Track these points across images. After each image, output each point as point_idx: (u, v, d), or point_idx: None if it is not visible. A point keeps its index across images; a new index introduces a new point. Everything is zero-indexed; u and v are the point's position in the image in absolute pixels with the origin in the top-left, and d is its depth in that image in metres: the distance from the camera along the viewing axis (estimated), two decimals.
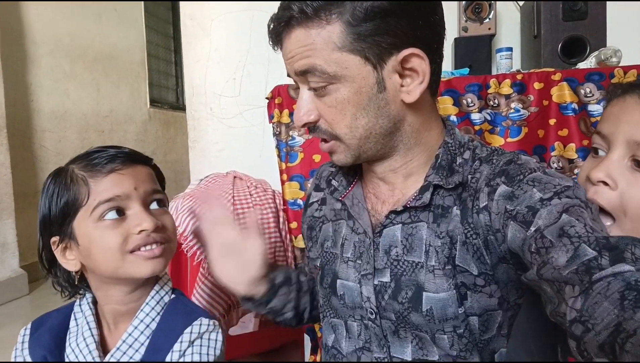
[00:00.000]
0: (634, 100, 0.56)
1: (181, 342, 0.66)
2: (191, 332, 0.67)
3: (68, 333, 0.71)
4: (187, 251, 1.26)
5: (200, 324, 0.68)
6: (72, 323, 0.71)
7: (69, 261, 0.68)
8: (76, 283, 0.71)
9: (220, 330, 0.69)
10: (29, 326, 0.73)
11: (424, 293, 0.61)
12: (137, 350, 0.67)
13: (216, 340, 0.68)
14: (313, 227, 0.78)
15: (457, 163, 0.64)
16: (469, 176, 0.63)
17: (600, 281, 0.41)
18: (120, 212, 0.65)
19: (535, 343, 0.61)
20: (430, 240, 0.62)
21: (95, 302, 0.72)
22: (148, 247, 0.65)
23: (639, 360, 0.34)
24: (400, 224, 0.64)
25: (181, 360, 0.65)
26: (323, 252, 0.74)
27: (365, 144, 0.63)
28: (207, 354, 0.66)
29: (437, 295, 0.61)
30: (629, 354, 0.35)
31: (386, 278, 0.64)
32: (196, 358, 0.65)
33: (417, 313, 0.61)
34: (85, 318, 0.70)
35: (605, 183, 0.56)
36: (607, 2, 1.33)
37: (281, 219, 1.38)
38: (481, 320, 0.61)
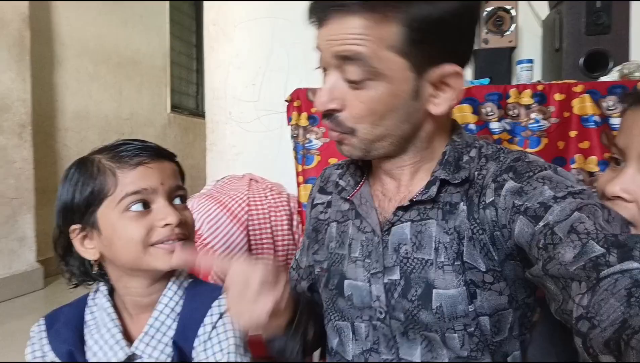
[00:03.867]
0: None
1: (211, 315, 0.68)
2: (219, 305, 0.69)
3: (85, 326, 0.71)
4: (200, 249, 1.27)
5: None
6: (88, 316, 0.71)
7: (87, 249, 0.68)
8: (92, 272, 0.71)
9: None
10: (41, 322, 0.72)
11: (434, 290, 0.60)
12: (165, 333, 0.68)
13: None
14: (319, 230, 0.77)
15: (464, 160, 0.64)
16: (476, 173, 0.63)
17: (607, 278, 0.41)
18: (146, 205, 0.65)
19: (555, 347, 0.60)
20: (440, 237, 0.62)
21: (111, 294, 0.72)
22: (170, 241, 0.66)
23: None
24: (409, 222, 0.64)
25: (213, 331, 0.68)
26: (329, 254, 0.73)
27: (378, 143, 0.62)
28: (233, 330, 0.69)
29: (447, 291, 0.60)
30: (634, 350, 0.35)
31: (396, 276, 0.63)
32: (229, 327, 0.69)
33: (427, 311, 0.61)
34: (105, 310, 0.70)
35: (620, 197, 0.56)
36: (631, 15, 1.32)
37: (294, 222, 1.39)
38: (492, 321, 0.60)
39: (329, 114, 0.62)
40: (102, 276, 0.72)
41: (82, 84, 3.42)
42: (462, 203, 0.62)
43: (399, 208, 0.65)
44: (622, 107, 0.62)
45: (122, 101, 3.83)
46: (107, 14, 3.63)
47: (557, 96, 1.18)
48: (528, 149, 1.19)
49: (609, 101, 1.16)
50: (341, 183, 0.73)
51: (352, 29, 0.56)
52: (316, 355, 0.98)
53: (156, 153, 0.69)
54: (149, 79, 4.18)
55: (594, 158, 1.17)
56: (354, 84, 0.58)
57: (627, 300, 0.38)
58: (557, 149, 1.19)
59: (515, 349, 0.63)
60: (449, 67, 0.58)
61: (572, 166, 1.19)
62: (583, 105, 1.16)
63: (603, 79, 1.27)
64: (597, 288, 0.41)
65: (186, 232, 0.68)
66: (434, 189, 0.62)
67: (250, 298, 0.56)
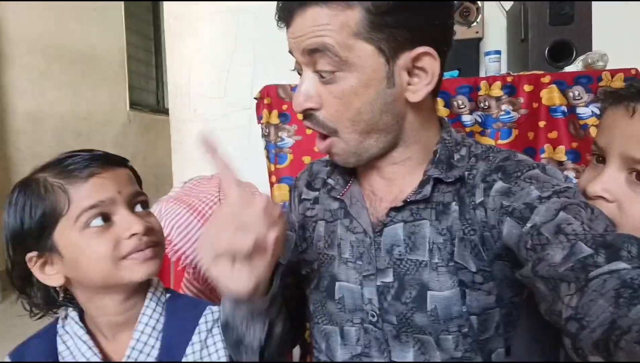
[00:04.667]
0: (622, 112, 0.55)
1: (199, 332, 0.66)
2: (206, 322, 0.67)
3: (59, 358, 0.65)
4: (170, 256, 1.22)
5: (212, 312, 0.68)
6: (60, 347, 0.65)
7: (49, 276, 0.62)
8: (59, 299, 0.66)
9: None
10: (7, 360, 0.66)
11: (429, 292, 0.60)
12: (148, 354, 0.64)
13: None
14: (305, 227, 0.75)
15: (455, 159, 0.64)
16: (466, 173, 0.62)
17: (596, 279, 0.41)
18: (106, 218, 0.61)
19: (536, 343, 0.60)
20: (434, 238, 0.61)
21: (82, 318, 0.67)
22: (140, 251, 0.62)
23: (632, 357, 0.34)
24: (402, 223, 0.63)
25: (204, 350, 0.66)
26: (317, 254, 0.71)
27: (365, 141, 0.61)
28: (223, 344, 0.67)
29: (442, 293, 0.59)
30: (623, 351, 0.35)
31: (389, 279, 0.62)
32: (219, 345, 0.66)
33: (421, 313, 0.60)
34: (80, 337, 0.65)
35: (602, 197, 0.56)
36: (593, 4, 1.35)
37: None
38: (480, 320, 0.60)
39: (308, 115, 0.61)
40: (70, 301, 0.66)
41: (34, 83, 3.23)
42: (454, 203, 0.61)
43: (392, 209, 0.63)
44: (600, 104, 0.62)
45: (78, 100, 3.65)
46: (58, 8, 3.44)
47: (526, 87, 1.19)
48: (499, 141, 1.20)
49: (575, 91, 1.19)
50: (330, 181, 0.71)
51: (314, 21, 0.55)
52: (296, 355, 0.96)
53: (107, 161, 0.64)
54: (105, 75, 4.01)
55: (562, 148, 1.19)
56: (326, 78, 0.57)
57: (616, 300, 0.38)
58: (527, 140, 1.21)
59: (500, 346, 0.63)
60: (420, 49, 0.56)
61: (542, 155, 1.21)
62: (551, 95, 1.19)
63: (568, 68, 1.30)
64: (586, 289, 0.41)
65: (155, 238, 0.64)
66: (428, 189, 0.61)
67: (240, 224, 0.48)
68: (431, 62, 0.57)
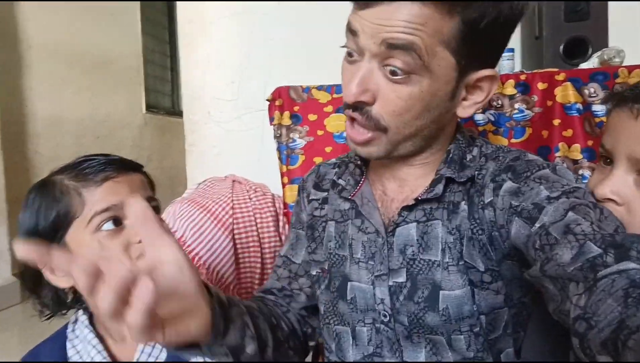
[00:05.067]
0: (627, 114, 0.55)
1: None
2: None
3: None
4: None
5: None
6: (70, 351, 0.67)
7: (59, 278, 0.64)
8: (68, 301, 0.67)
9: None
10: None
11: (441, 292, 0.60)
12: (157, 357, 0.65)
13: None
14: (314, 227, 0.75)
15: (467, 159, 0.64)
16: (476, 173, 0.63)
17: (604, 279, 0.41)
18: (118, 222, 0.62)
19: (547, 344, 0.60)
20: (446, 238, 0.61)
21: (91, 322, 0.68)
22: None
23: None
24: (414, 223, 0.63)
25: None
26: (328, 254, 0.71)
27: (406, 142, 0.61)
28: None
29: (453, 292, 0.59)
30: (631, 351, 0.34)
31: (402, 279, 0.62)
32: None
33: (433, 312, 0.60)
34: (89, 341, 0.66)
35: (611, 199, 0.56)
36: (609, 2, 1.32)
37: (281, 224, 1.36)
38: (488, 319, 0.60)
39: (359, 107, 0.57)
40: (80, 302, 0.68)
41: (53, 88, 3.31)
42: (463, 203, 0.61)
43: (404, 208, 0.63)
44: (606, 108, 0.62)
45: (96, 103, 3.73)
46: (76, 14, 3.51)
47: (540, 85, 1.17)
48: (513, 140, 1.18)
49: (591, 88, 1.16)
50: (340, 182, 0.71)
51: (410, 16, 0.51)
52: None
53: (122, 166, 0.65)
54: (122, 79, 4.08)
55: (577, 146, 1.17)
56: (397, 76, 0.54)
57: (625, 300, 0.37)
58: (541, 139, 1.18)
59: (509, 346, 0.63)
60: (487, 71, 0.57)
61: (557, 154, 1.19)
62: (565, 93, 1.16)
63: (583, 65, 1.27)
64: (595, 288, 0.41)
65: None
66: (440, 188, 0.61)
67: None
68: (490, 84, 0.58)
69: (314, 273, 0.73)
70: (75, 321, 0.69)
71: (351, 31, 0.56)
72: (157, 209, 0.68)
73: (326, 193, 0.76)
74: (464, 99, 0.59)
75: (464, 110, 0.60)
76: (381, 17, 0.52)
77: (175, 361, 0.65)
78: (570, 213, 0.49)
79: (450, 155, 0.63)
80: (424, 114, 0.57)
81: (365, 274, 0.65)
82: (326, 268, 0.71)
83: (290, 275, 0.78)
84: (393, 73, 0.54)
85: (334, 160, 0.81)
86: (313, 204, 0.77)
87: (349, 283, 0.67)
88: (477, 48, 0.55)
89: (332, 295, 0.69)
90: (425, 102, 0.56)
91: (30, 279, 0.66)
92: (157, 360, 0.65)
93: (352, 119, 0.60)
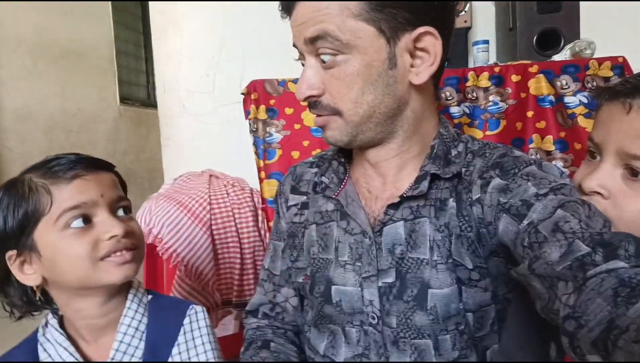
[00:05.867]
0: (619, 108, 0.55)
1: (184, 333, 0.68)
2: (190, 322, 0.69)
3: None
4: (162, 253, 1.22)
5: (196, 312, 0.70)
6: (42, 355, 0.66)
7: (28, 276, 0.63)
8: (36, 299, 0.66)
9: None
10: None
11: (429, 290, 0.59)
12: (132, 355, 0.65)
13: (210, 324, 0.71)
14: (295, 234, 0.73)
15: (452, 155, 0.64)
16: (463, 169, 0.62)
17: (593, 278, 0.41)
18: (87, 219, 0.62)
19: (526, 338, 0.60)
20: (433, 235, 0.61)
21: (62, 325, 0.67)
22: (119, 253, 0.63)
23: (631, 356, 0.34)
24: (402, 221, 0.62)
25: (191, 350, 0.67)
26: (311, 259, 0.70)
27: (366, 123, 0.61)
28: (210, 339, 0.69)
29: (442, 291, 0.59)
30: (621, 350, 0.35)
31: (391, 279, 0.62)
32: (207, 346, 0.69)
33: (421, 311, 0.59)
34: (60, 343, 0.65)
35: (598, 193, 0.56)
36: None
37: (260, 218, 1.35)
38: (476, 317, 0.60)
39: (313, 103, 0.62)
40: (49, 303, 0.67)
41: (21, 81, 3.19)
42: (451, 200, 0.61)
43: (390, 206, 0.63)
44: (595, 99, 0.62)
45: (67, 96, 3.61)
46: (44, 3, 3.38)
47: (514, 78, 1.19)
48: (487, 132, 1.20)
49: (563, 80, 1.18)
50: (324, 179, 0.70)
51: (314, 8, 0.56)
52: None
53: (92, 164, 0.65)
54: (94, 70, 3.96)
55: (550, 138, 1.19)
56: (327, 62, 0.58)
57: (614, 299, 0.38)
58: (515, 131, 1.20)
59: (495, 343, 0.63)
60: (421, 29, 0.57)
61: (530, 145, 1.21)
62: (539, 85, 1.18)
63: (556, 57, 1.29)
64: (584, 287, 0.41)
65: (135, 242, 0.65)
66: (425, 184, 0.61)
67: None
68: (433, 42, 0.58)
69: (299, 280, 0.72)
70: (46, 324, 0.67)
71: (293, 44, 0.62)
72: (128, 209, 0.68)
73: (305, 197, 0.74)
74: (412, 65, 0.59)
75: (417, 76, 0.59)
76: (298, 19, 0.59)
77: (154, 362, 0.65)
78: (559, 211, 0.49)
79: (435, 151, 0.63)
80: (369, 88, 0.58)
81: (352, 276, 0.64)
82: (309, 273, 0.70)
83: (275, 288, 0.78)
84: (324, 61, 0.59)
85: (310, 159, 0.79)
86: (292, 211, 0.75)
87: (332, 287, 0.66)
88: (392, 10, 0.56)
89: (317, 299, 0.68)
90: (363, 76, 0.58)
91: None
92: (133, 359, 0.64)
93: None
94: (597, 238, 0.44)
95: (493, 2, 1.59)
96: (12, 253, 0.62)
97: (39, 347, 0.66)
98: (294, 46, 0.62)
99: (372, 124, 0.61)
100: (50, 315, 0.67)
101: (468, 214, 0.60)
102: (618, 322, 0.36)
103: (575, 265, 0.43)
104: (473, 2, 1.46)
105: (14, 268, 0.63)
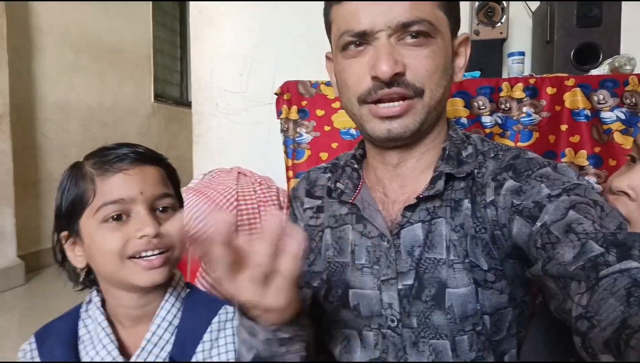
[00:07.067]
0: None
1: (211, 331, 0.66)
2: (219, 321, 0.67)
3: (79, 341, 0.67)
4: (188, 245, 1.24)
5: (227, 312, 0.68)
6: (82, 330, 0.67)
7: (77, 257, 0.66)
8: (80, 281, 0.68)
9: None
10: (32, 340, 0.68)
11: (447, 290, 0.59)
12: (162, 348, 0.65)
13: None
14: (311, 237, 0.73)
15: (464, 155, 0.65)
16: (475, 171, 0.63)
17: (606, 278, 0.40)
18: (124, 215, 0.62)
19: (549, 347, 0.60)
20: (450, 235, 0.61)
21: (104, 304, 0.68)
22: (149, 253, 0.62)
23: None
24: (419, 223, 0.62)
25: (214, 349, 0.66)
26: (327, 263, 0.69)
27: (435, 109, 0.62)
28: (234, 340, 0.67)
29: (458, 290, 0.59)
30: (633, 350, 0.34)
31: (410, 281, 0.61)
32: (230, 346, 0.67)
33: (439, 311, 0.59)
34: (99, 323, 0.66)
35: (625, 193, 0.55)
36: (622, 8, 1.31)
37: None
38: (492, 320, 0.60)
39: (394, 81, 0.59)
40: (94, 283, 0.69)
41: (63, 74, 3.32)
42: (466, 201, 0.61)
43: (407, 209, 0.63)
44: None
45: (105, 91, 3.74)
46: (89, 3, 3.52)
47: (549, 90, 1.17)
48: (519, 143, 1.18)
49: (600, 95, 1.16)
50: (339, 185, 0.70)
51: None
52: None
53: (140, 158, 0.64)
54: (132, 67, 4.09)
55: (584, 152, 1.17)
56: (417, 40, 0.59)
57: (627, 299, 0.37)
58: (548, 143, 1.18)
59: (513, 347, 0.62)
60: (464, 34, 0.64)
61: (563, 159, 1.19)
62: (574, 99, 1.16)
63: (593, 72, 1.26)
64: (597, 287, 0.41)
65: (168, 243, 0.63)
66: (440, 184, 0.61)
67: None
68: (466, 47, 0.65)
69: (315, 284, 0.71)
70: (89, 301, 0.69)
71: (355, 23, 0.59)
72: (172, 206, 0.66)
73: (320, 201, 0.74)
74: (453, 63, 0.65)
75: (456, 75, 0.65)
76: (384, 5, 0.58)
77: (171, 362, 0.65)
78: (571, 212, 0.49)
79: (447, 152, 0.64)
80: (444, 74, 0.61)
81: (370, 279, 0.64)
82: (325, 278, 0.69)
83: None
84: (414, 38, 0.59)
85: (323, 165, 0.80)
86: (308, 214, 0.75)
87: (350, 291, 0.65)
88: (455, 10, 0.62)
89: (332, 305, 0.67)
90: (443, 61, 0.61)
91: (59, 252, 0.68)
92: (162, 352, 0.64)
93: (379, 101, 0.61)
94: (611, 238, 0.44)
95: (530, 14, 1.57)
96: (64, 233, 0.65)
97: (80, 322, 0.68)
98: (355, 24, 0.59)
99: (436, 113, 0.63)
100: (94, 293, 0.69)
101: (482, 216, 0.60)
102: (630, 321, 0.36)
103: (588, 265, 0.43)
104: (510, 13, 1.44)
105: (67, 248, 0.66)
